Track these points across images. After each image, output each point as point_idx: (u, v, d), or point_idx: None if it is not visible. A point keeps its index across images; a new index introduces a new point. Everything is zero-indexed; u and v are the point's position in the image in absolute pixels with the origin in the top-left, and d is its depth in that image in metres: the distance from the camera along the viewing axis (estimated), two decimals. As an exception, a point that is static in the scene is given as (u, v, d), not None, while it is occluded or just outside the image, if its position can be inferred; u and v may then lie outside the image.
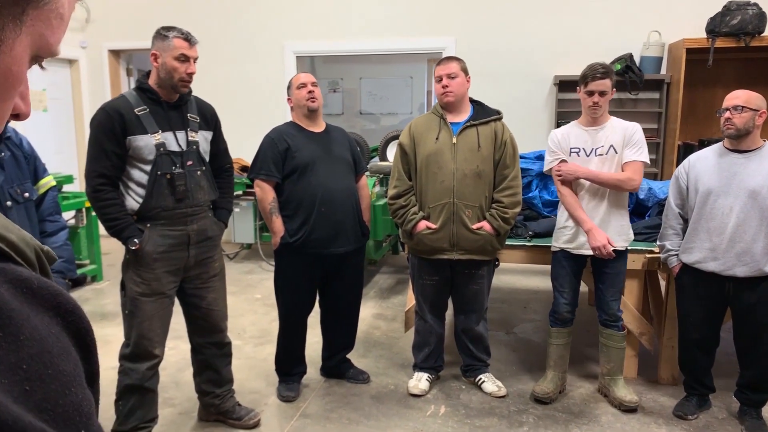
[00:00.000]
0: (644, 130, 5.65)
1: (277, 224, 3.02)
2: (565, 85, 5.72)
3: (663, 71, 5.74)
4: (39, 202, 2.53)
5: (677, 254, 3.00)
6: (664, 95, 5.70)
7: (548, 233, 3.46)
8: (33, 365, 0.35)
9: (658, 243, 3.14)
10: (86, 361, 0.40)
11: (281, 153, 2.99)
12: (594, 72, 2.92)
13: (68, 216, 5.05)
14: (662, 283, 3.58)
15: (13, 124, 2.76)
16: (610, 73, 2.94)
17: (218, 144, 2.75)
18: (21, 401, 0.33)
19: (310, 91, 3.04)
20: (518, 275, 5.50)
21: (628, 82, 5.63)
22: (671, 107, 5.61)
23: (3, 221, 0.38)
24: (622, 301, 3.27)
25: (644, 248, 3.34)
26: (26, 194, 2.43)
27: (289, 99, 3.13)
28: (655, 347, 3.51)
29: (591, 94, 2.95)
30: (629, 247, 3.15)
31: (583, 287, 3.44)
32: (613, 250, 2.99)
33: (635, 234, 3.43)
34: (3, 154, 2.37)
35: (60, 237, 2.53)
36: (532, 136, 5.56)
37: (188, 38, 2.49)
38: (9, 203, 2.33)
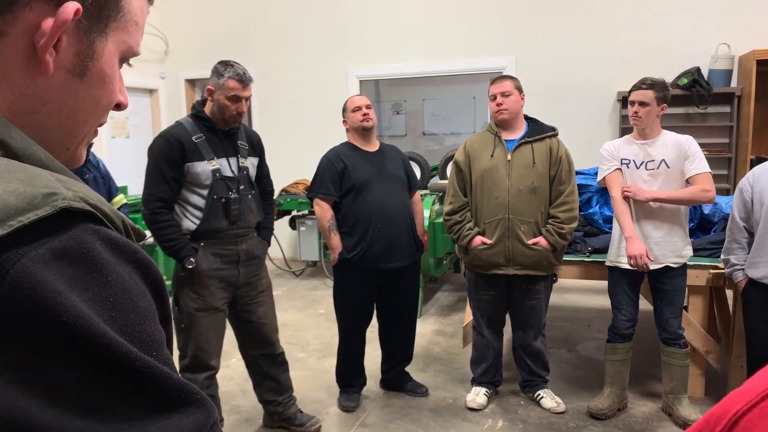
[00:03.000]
0: (715, 144, 5.59)
1: (335, 241, 3.16)
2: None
3: (733, 84, 5.58)
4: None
5: (743, 269, 2.93)
6: (734, 109, 5.54)
7: (608, 249, 3.43)
8: (118, 299, 0.46)
9: (722, 257, 3.07)
10: (160, 305, 0.52)
11: (338, 173, 3.14)
12: (638, 83, 2.97)
13: (146, 235, 5.39)
14: (730, 300, 3.48)
15: (95, 147, 3.03)
16: (657, 86, 2.95)
17: (262, 169, 2.90)
18: (108, 324, 0.44)
19: (364, 114, 3.18)
20: (582, 294, 5.42)
21: (695, 96, 5.51)
22: (742, 121, 5.44)
23: (99, 198, 0.51)
24: (687, 318, 3.21)
25: (708, 264, 3.26)
26: None
27: (344, 121, 3.28)
28: (724, 366, 3.41)
29: (632, 104, 2.99)
30: (691, 263, 3.10)
31: (648, 305, 3.40)
32: (668, 267, 2.97)
33: (700, 249, 3.37)
34: (87, 176, 2.62)
35: None
36: (595, 153, 5.49)
37: (242, 79, 2.60)
38: None
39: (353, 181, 3.13)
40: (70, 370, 0.42)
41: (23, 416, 0.41)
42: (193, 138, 2.61)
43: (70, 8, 0.52)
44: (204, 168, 2.61)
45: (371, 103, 3.27)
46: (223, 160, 2.67)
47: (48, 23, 0.52)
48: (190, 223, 2.64)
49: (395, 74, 6.80)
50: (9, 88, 0.53)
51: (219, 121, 2.66)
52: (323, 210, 3.17)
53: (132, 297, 0.47)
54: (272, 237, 2.98)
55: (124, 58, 0.61)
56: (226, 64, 2.63)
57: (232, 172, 2.69)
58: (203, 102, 2.71)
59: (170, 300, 2.34)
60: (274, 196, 3.14)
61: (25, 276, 0.42)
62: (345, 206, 3.16)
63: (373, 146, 3.27)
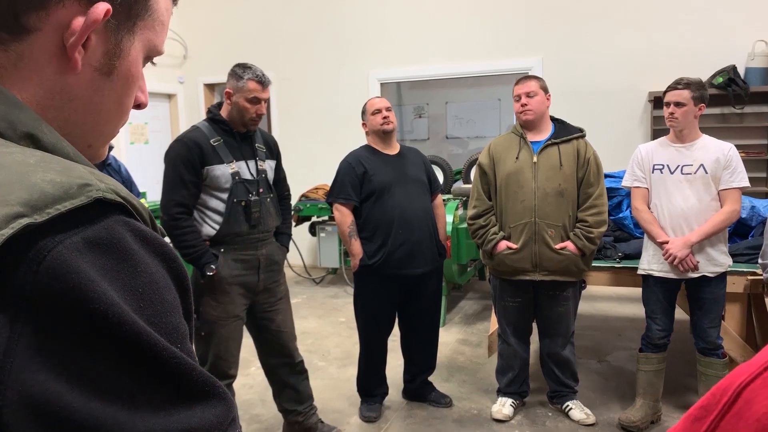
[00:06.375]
0: (752, 146, 5.49)
1: (356, 247, 3.17)
2: (661, 101, 5.56)
3: (772, 82, 5.48)
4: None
5: (782, 274, 2.87)
6: (773, 108, 5.44)
7: (639, 255, 3.39)
8: (146, 290, 0.48)
9: (760, 262, 3.00)
10: (183, 299, 0.53)
11: (359, 177, 3.15)
12: (674, 84, 2.94)
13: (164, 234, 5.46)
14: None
15: (115, 152, 3.08)
16: (693, 86, 2.92)
17: (279, 172, 2.94)
18: (137, 314, 0.46)
19: (384, 117, 3.19)
20: (613, 302, 5.36)
21: (731, 95, 5.42)
22: (782, 120, 5.34)
23: (128, 193, 0.53)
24: (724, 327, 3.15)
25: (746, 270, 3.20)
26: None
27: (363, 124, 3.30)
28: (764, 378, 3.33)
29: (668, 105, 2.97)
30: (729, 269, 3.05)
31: (683, 312, 3.36)
32: (704, 277, 2.93)
33: (737, 255, 3.32)
34: None
35: None
36: (626, 156, 5.43)
37: (261, 81, 2.64)
38: None
39: (374, 185, 3.14)
40: (100, 357, 0.44)
41: (54, 400, 0.42)
42: (211, 141, 2.65)
43: (101, 9, 0.54)
44: (223, 171, 2.64)
45: (392, 106, 3.29)
46: (242, 163, 2.70)
47: (78, 22, 0.54)
48: (209, 228, 2.67)
49: (417, 76, 6.82)
50: (39, 83, 0.56)
51: (237, 123, 2.70)
52: (343, 215, 3.18)
53: (159, 289, 0.49)
54: (291, 243, 3.00)
55: (149, 57, 0.64)
56: (244, 66, 2.67)
57: (251, 174, 2.72)
58: (219, 105, 2.75)
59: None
60: (293, 202, 3.16)
61: (61, 263, 0.44)
62: (365, 211, 3.18)
63: (394, 149, 3.28)
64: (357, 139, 5.73)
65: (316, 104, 6.95)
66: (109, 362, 0.44)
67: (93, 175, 0.50)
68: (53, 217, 0.44)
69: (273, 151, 2.90)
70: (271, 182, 2.83)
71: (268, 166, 2.83)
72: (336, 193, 3.21)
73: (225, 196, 2.65)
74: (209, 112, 2.76)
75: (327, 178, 5.52)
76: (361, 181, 3.16)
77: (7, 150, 0.49)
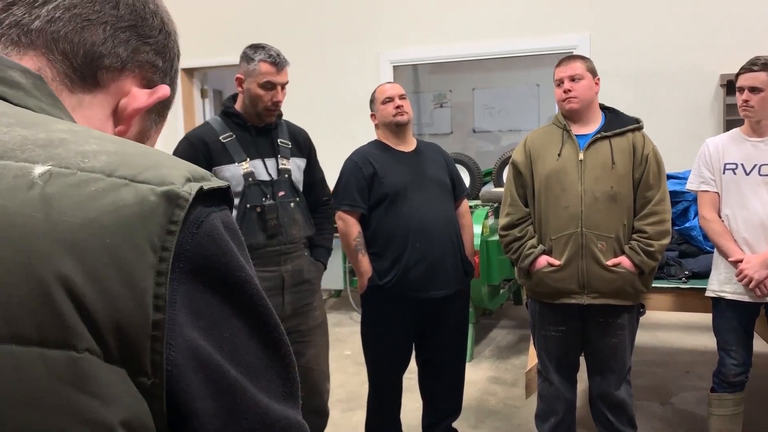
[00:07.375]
0: None
1: (364, 264, 3.16)
2: (735, 86, 5.55)
3: None
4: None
5: None
6: None
7: (709, 273, 3.37)
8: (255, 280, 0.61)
9: None
10: None
11: (367, 179, 3.16)
12: (748, 64, 2.95)
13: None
14: None
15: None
16: None
17: (314, 173, 2.98)
18: None
19: (397, 106, 3.20)
20: (678, 331, 5.34)
21: (821, 78, 5.38)
22: None
23: None
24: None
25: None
26: None
27: (372, 115, 3.32)
28: None
29: (741, 90, 2.97)
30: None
31: (765, 345, 3.32)
32: None
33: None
34: None
35: None
36: (693, 152, 5.40)
37: (276, 62, 2.70)
38: None
39: (385, 188, 3.14)
40: (237, 326, 0.57)
41: (210, 356, 0.54)
42: (221, 138, 2.70)
43: (166, 89, 0.75)
44: (234, 172, 2.68)
45: (407, 94, 3.30)
46: (258, 162, 2.74)
47: (138, 91, 0.72)
48: None
49: (438, 57, 6.84)
50: None
51: (251, 115, 2.75)
52: (348, 225, 3.17)
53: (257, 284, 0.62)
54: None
55: None
56: (255, 47, 2.75)
57: (269, 175, 2.75)
58: (234, 97, 2.82)
59: None
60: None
61: (216, 229, 0.57)
62: (375, 220, 3.17)
63: (409, 145, 3.28)
64: (365, 133, 5.73)
65: (316, 92, 6.96)
66: (243, 334, 0.57)
67: None
68: (207, 191, 0.57)
69: (302, 148, 2.94)
70: (297, 184, 2.86)
71: (294, 165, 2.86)
72: (340, 198, 3.21)
73: (237, 201, 2.68)
74: (223, 104, 2.84)
75: (329, 181, 5.54)
76: (369, 184, 3.16)
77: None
